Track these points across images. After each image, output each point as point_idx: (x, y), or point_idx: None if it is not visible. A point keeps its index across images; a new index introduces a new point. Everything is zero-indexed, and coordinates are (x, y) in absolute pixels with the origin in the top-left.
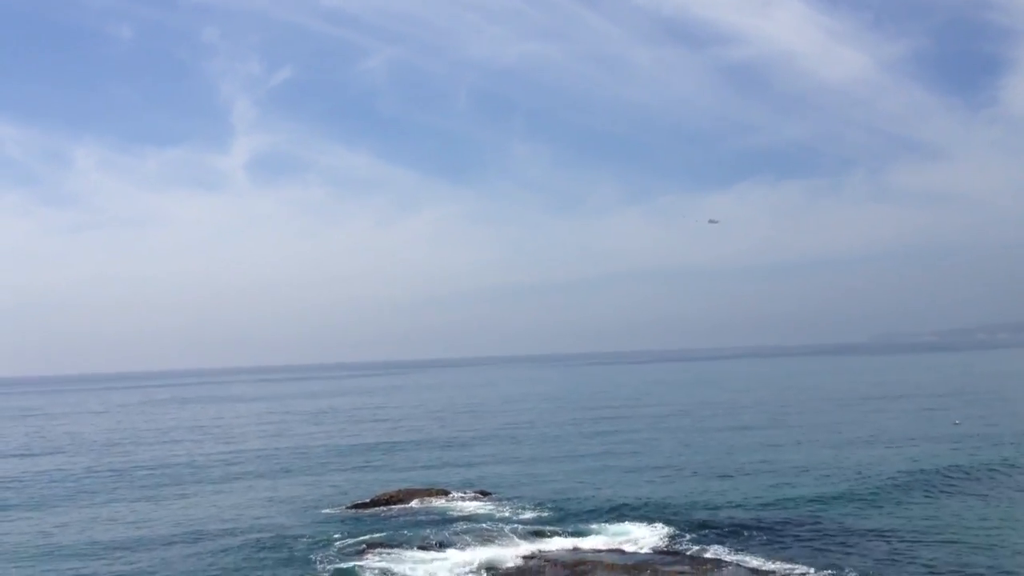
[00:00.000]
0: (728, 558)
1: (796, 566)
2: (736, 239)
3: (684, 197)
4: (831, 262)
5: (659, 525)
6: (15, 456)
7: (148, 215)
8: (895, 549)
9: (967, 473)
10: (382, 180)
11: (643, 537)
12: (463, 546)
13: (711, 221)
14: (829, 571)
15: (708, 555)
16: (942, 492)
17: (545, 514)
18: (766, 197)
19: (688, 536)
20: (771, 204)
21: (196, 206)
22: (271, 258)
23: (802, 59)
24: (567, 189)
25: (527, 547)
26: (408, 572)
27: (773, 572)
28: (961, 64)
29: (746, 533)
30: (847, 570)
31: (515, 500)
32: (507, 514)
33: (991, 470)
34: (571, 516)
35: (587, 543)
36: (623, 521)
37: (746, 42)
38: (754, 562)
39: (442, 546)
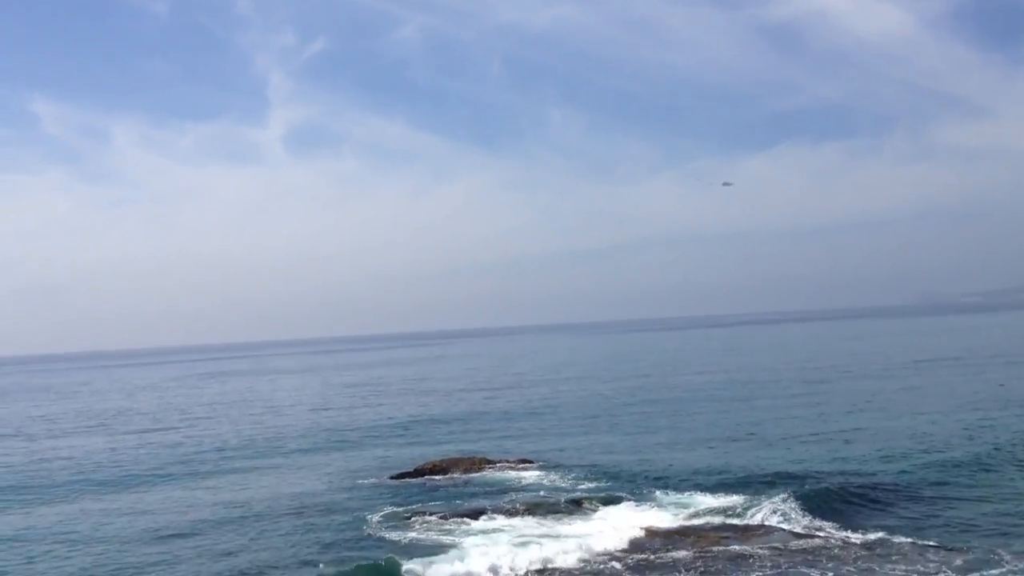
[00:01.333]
0: (837, 534)
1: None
2: (774, 202)
3: (719, 160)
4: (871, 224)
5: (721, 495)
6: (61, 435)
7: (186, 190)
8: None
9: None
10: (416, 150)
11: (712, 506)
12: (513, 514)
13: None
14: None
15: (799, 529)
16: (990, 458)
17: (593, 484)
18: (804, 159)
19: (768, 505)
20: (809, 166)
21: (233, 180)
22: (307, 230)
23: (839, 16)
24: (601, 154)
25: (585, 524)
26: (457, 540)
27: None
28: (1001, 19)
29: (819, 501)
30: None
31: (560, 468)
32: (557, 482)
33: None
34: (624, 484)
35: (664, 516)
36: (682, 491)
37: (782, 0)
38: (856, 536)
39: (493, 512)
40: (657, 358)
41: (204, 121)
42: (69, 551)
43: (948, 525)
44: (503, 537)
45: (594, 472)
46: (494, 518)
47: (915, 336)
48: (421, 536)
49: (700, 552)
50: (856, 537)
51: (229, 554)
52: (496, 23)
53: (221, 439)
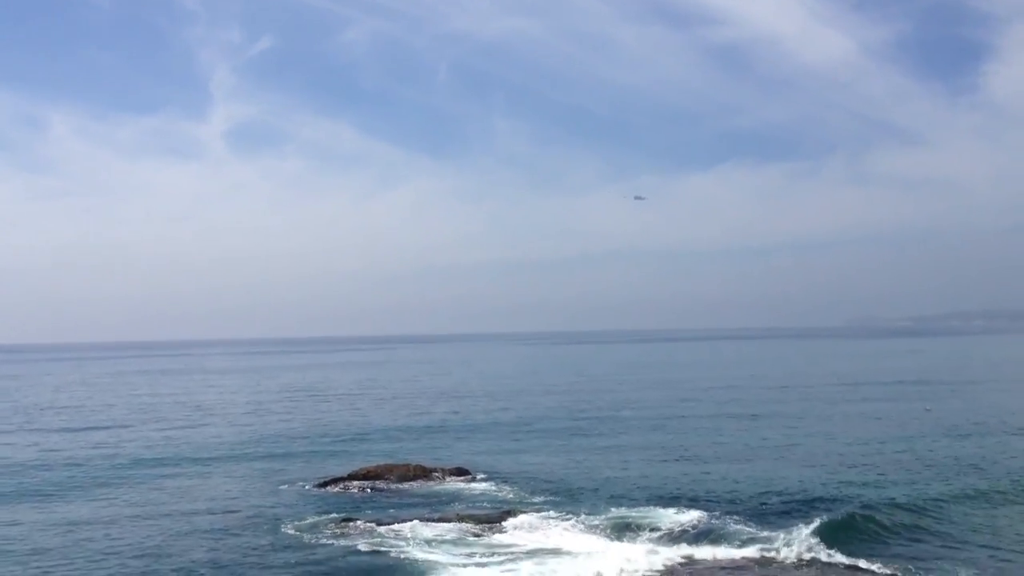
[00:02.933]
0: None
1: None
2: (716, 220)
3: (665, 177)
4: (810, 245)
5: (674, 509)
6: None
7: (124, 183)
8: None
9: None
10: (362, 154)
11: (679, 522)
12: (443, 519)
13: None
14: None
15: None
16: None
17: (530, 495)
18: (747, 179)
19: (725, 519)
20: (752, 186)
21: (172, 175)
22: (248, 229)
23: (785, 41)
24: (548, 166)
25: (502, 525)
26: (386, 547)
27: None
28: (943, 49)
29: (759, 517)
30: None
31: (497, 478)
32: (495, 492)
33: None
34: (558, 496)
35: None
36: (620, 506)
37: (731, 23)
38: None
39: (426, 521)
40: (596, 370)
41: (144, 114)
42: None
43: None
44: (448, 549)
45: (531, 483)
46: (427, 526)
47: (849, 358)
48: (351, 542)
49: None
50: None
51: (140, 557)
52: (447, 30)
53: (145, 441)
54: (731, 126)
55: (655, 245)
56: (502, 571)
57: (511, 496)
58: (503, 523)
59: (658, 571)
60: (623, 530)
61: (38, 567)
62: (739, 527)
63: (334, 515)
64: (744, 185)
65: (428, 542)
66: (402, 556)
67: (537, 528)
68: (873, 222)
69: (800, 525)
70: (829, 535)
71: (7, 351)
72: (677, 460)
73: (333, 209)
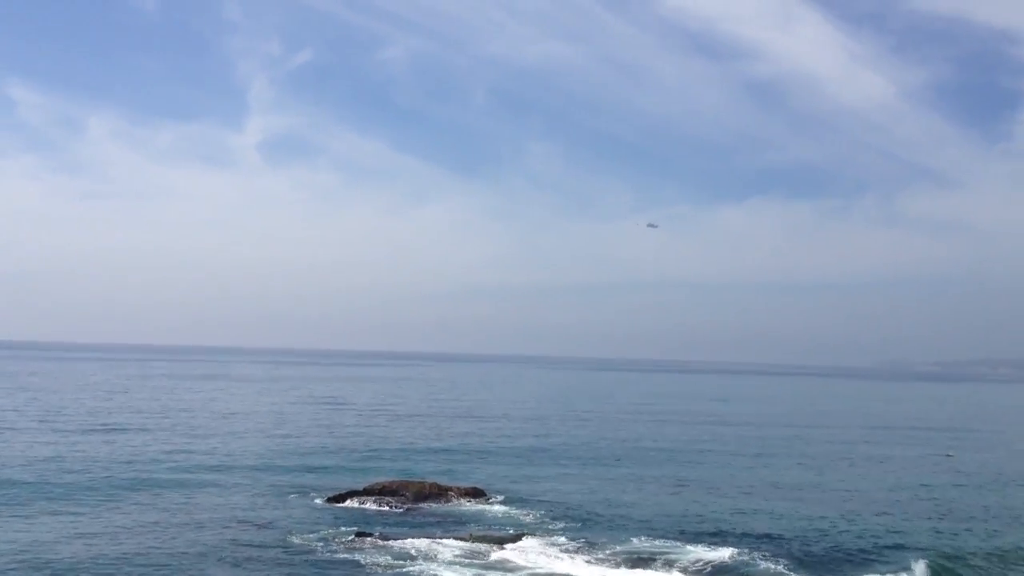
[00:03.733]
0: None
1: None
2: (745, 255)
3: (696, 208)
4: (839, 285)
5: (702, 546)
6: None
7: (158, 188)
8: None
9: None
10: (394, 169)
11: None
12: (458, 539)
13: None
14: None
15: None
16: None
17: (554, 523)
18: (778, 215)
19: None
20: (782, 222)
21: (206, 182)
22: (278, 239)
23: (822, 80)
24: (579, 191)
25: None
26: (398, 563)
27: None
28: (980, 96)
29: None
30: None
31: (515, 501)
32: (502, 512)
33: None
34: (577, 521)
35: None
36: (641, 536)
37: (768, 59)
38: None
39: (438, 538)
40: (620, 399)
41: (182, 121)
42: None
43: None
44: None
45: (549, 507)
46: (441, 545)
47: (878, 401)
48: (359, 558)
49: None
50: None
51: (147, 565)
52: (485, 53)
53: (163, 447)
54: (764, 161)
55: (683, 276)
56: None
57: (528, 519)
58: (518, 546)
59: None
60: (644, 562)
61: (50, 572)
62: (779, 570)
63: (346, 528)
64: (774, 221)
65: (441, 561)
66: (414, 574)
67: (553, 554)
68: (903, 264)
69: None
70: None
71: (41, 348)
72: (704, 494)
73: (362, 224)
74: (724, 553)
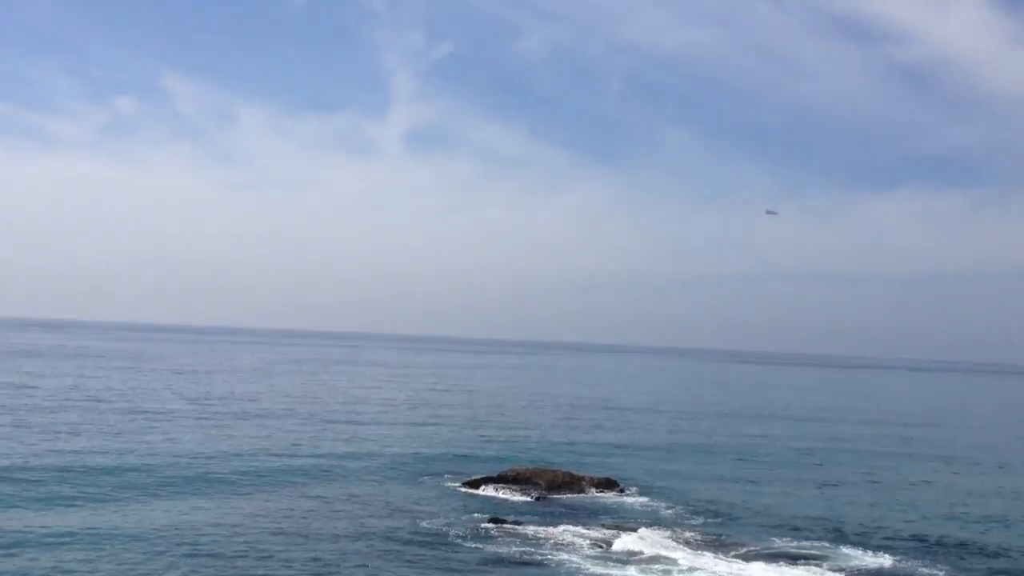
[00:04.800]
0: None
1: None
2: (890, 246)
3: (840, 198)
4: (993, 276)
5: (866, 552)
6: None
7: (305, 178)
8: None
9: None
10: (530, 158)
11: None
12: (602, 527)
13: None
14: None
15: None
16: None
17: (694, 518)
18: (926, 205)
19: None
20: (932, 212)
21: (350, 173)
22: (417, 228)
23: (977, 62)
24: (717, 179)
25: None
26: (533, 551)
27: None
28: None
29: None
30: None
31: (653, 494)
32: (638, 504)
33: None
34: (719, 517)
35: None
36: (790, 537)
37: (920, 42)
38: None
39: (575, 527)
40: (762, 393)
41: (327, 112)
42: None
43: None
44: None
45: (687, 502)
46: (578, 535)
47: None
48: (493, 545)
49: None
50: None
51: (277, 545)
52: (623, 40)
53: (298, 431)
54: (911, 149)
55: (823, 268)
56: None
57: (663, 512)
58: (654, 538)
59: None
60: (797, 562)
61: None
62: None
63: (480, 515)
64: (923, 210)
65: (575, 550)
66: (551, 562)
67: (693, 549)
68: None
69: None
70: None
71: (195, 332)
72: (848, 495)
73: (499, 212)
74: (884, 560)
